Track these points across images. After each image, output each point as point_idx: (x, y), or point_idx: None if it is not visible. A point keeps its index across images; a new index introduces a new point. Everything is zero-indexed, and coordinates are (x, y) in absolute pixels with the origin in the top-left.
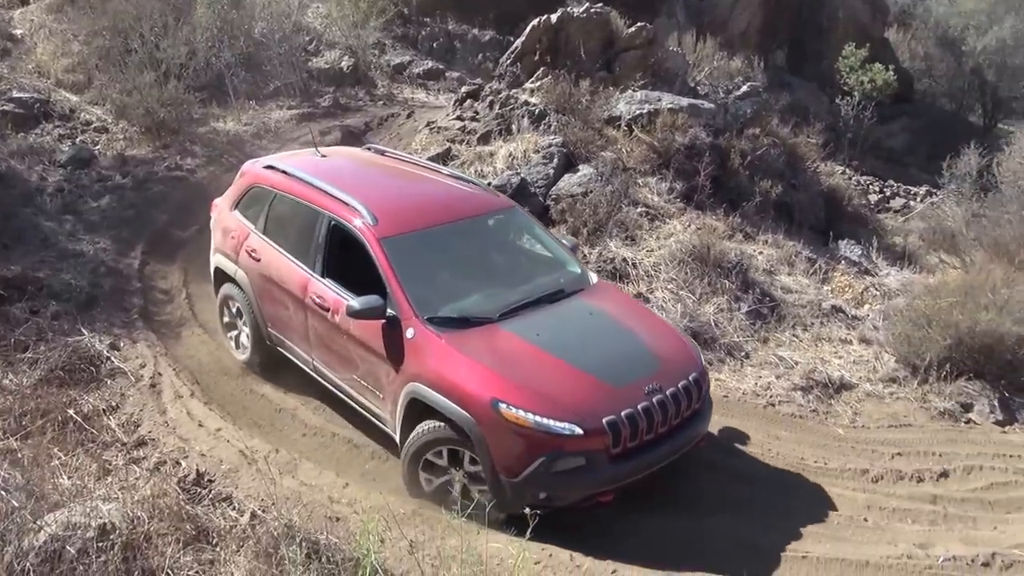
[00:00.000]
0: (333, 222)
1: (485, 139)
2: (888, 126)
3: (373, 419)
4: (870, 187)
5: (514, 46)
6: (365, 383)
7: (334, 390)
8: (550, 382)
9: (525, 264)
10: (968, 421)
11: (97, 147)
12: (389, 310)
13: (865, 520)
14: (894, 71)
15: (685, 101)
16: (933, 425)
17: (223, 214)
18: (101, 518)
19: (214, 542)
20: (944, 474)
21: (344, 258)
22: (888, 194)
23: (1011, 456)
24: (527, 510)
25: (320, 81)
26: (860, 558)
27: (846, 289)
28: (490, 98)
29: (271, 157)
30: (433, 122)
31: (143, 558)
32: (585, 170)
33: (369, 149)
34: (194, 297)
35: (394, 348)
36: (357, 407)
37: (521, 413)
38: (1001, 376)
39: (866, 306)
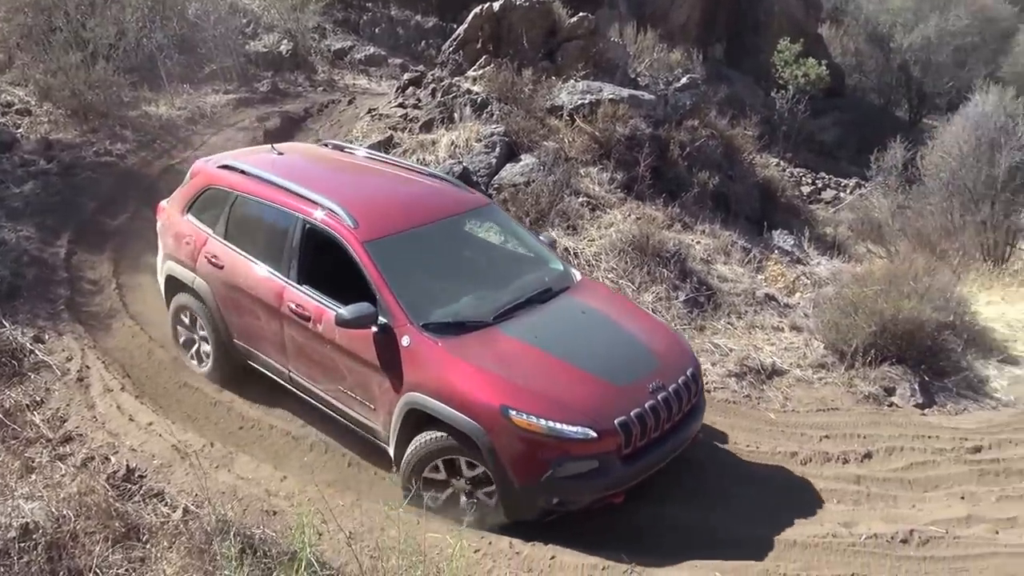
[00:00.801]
0: (308, 225)
1: (427, 127)
2: (821, 120)
3: (363, 432)
4: (803, 179)
5: (456, 33)
6: (354, 395)
7: (314, 402)
8: (557, 385)
9: (509, 263)
10: (891, 404)
11: (19, 130)
12: (380, 318)
13: (793, 501)
14: (826, 66)
15: (626, 92)
16: (858, 408)
17: (173, 218)
18: (23, 517)
19: (145, 539)
20: (868, 455)
21: (322, 263)
22: (820, 186)
23: (929, 437)
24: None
25: (258, 65)
26: (788, 538)
27: (779, 278)
28: (432, 86)
29: (224, 155)
30: (374, 109)
31: (69, 557)
32: (527, 160)
33: (326, 145)
34: (125, 288)
35: (388, 357)
36: (343, 420)
37: (532, 419)
38: (922, 361)
39: (797, 294)
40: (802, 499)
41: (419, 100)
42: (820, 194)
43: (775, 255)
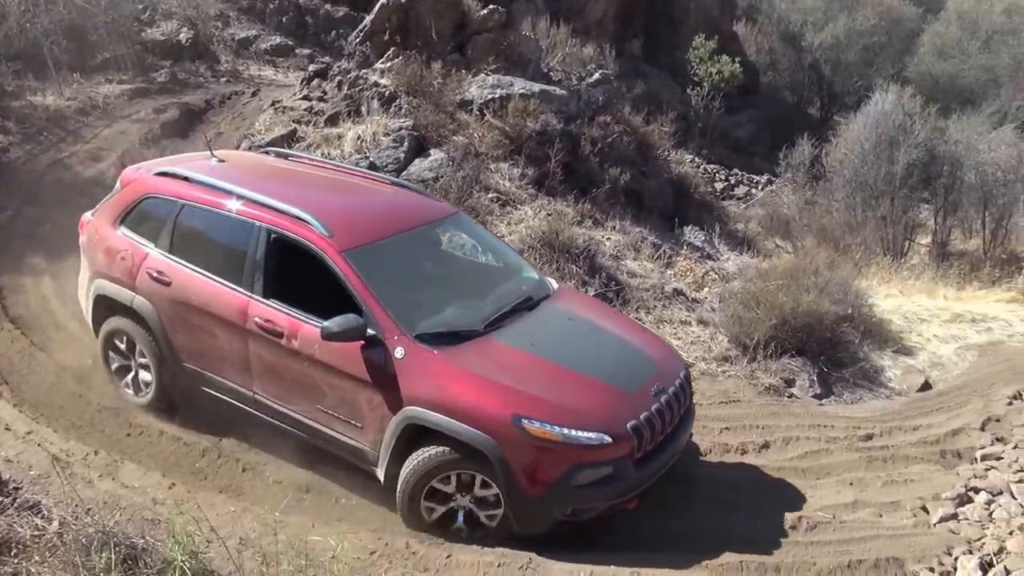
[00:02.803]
0: (274, 236)
1: (333, 120)
2: (735, 116)
3: (344, 454)
4: (717, 175)
5: (363, 24)
6: (336, 414)
7: (281, 425)
8: (566, 392)
9: (486, 272)
10: (790, 395)
11: None
12: (369, 330)
13: (691, 493)
14: (741, 63)
15: (537, 87)
16: (759, 400)
17: (102, 231)
18: None
19: (16, 554)
20: (766, 445)
21: (292, 276)
22: (733, 182)
23: (824, 427)
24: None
25: (156, 54)
26: (685, 529)
27: (687, 273)
28: (339, 78)
29: (157, 163)
30: (279, 101)
31: None
32: (436, 155)
33: (267, 152)
34: (5, 290)
35: (380, 371)
36: (318, 442)
37: (547, 427)
38: (821, 353)
39: (705, 289)
40: (701, 491)
41: (325, 93)
42: (733, 190)
43: (685, 251)
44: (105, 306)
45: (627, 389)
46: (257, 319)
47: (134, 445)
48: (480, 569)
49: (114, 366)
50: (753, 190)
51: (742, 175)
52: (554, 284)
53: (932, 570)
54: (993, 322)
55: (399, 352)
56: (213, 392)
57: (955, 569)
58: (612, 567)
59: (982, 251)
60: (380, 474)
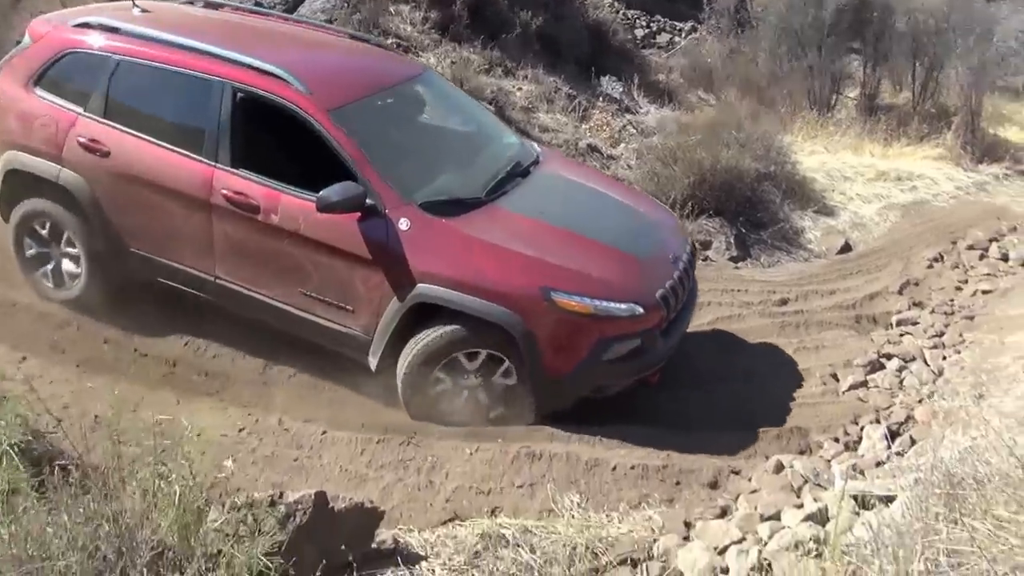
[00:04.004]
0: (241, 95)
1: None
2: None
3: (326, 342)
4: (637, 21)
5: None
6: (322, 297)
7: (251, 314)
8: (590, 262)
9: (467, 136)
10: (705, 259)
11: None
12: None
13: None
14: None
15: None
16: None
17: (11, 93)
18: None
19: None
20: None
21: (264, 141)
22: (655, 29)
23: (738, 291)
24: None
25: None
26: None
27: (603, 127)
28: None
29: (73, 12)
30: None
31: None
32: None
33: (191, 2)
34: None
35: (380, 246)
36: (296, 330)
37: (578, 299)
38: (739, 213)
39: (622, 145)
40: None
41: None
42: (655, 38)
43: (602, 103)
44: (19, 183)
45: (646, 257)
46: (224, 192)
47: None
48: (358, 445)
49: (28, 253)
50: (676, 38)
51: (664, 22)
52: (537, 147)
53: (837, 440)
54: (919, 180)
55: (403, 223)
56: (166, 281)
57: (860, 439)
58: (499, 440)
59: (911, 105)
60: (373, 362)
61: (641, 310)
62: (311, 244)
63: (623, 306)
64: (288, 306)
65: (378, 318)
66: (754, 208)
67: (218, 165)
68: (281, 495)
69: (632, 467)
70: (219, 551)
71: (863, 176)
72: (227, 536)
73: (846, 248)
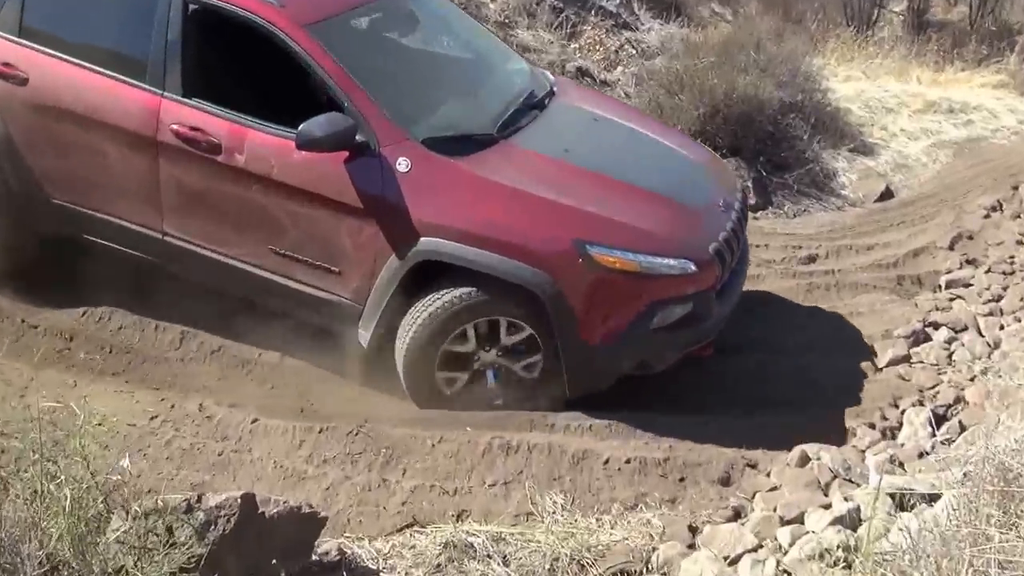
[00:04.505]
0: (193, 8)
1: None
2: None
3: (304, 313)
4: None
5: None
6: (301, 256)
7: (202, 279)
8: (630, 210)
9: (471, 61)
10: None
11: None
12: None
13: None
14: None
15: None
16: None
17: None
18: None
19: None
20: None
21: (223, 66)
22: None
23: (757, 246)
24: None
25: None
26: None
27: (597, 47)
28: None
29: None
30: None
31: None
32: None
33: None
34: None
35: (374, 191)
36: (266, 299)
37: (619, 254)
38: (760, 152)
39: (619, 68)
40: None
41: None
42: None
43: (595, 18)
44: None
45: (696, 205)
46: (174, 127)
47: None
48: (296, 436)
49: None
50: None
51: None
52: (550, 75)
53: (872, 426)
54: (975, 113)
55: (403, 164)
56: (99, 240)
57: (900, 424)
58: (467, 428)
59: (968, 22)
60: (365, 336)
61: (694, 267)
62: (286, 191)
63: (673, 262)
64: (257, 268)
65: (371, 281)
66: (777, 146)
67: (166, 94)
68: (200, 498)
69: (627, 461)
70: (122, 567)
71: (908, 107)
72: (132, 549)
73: (887, 195)
